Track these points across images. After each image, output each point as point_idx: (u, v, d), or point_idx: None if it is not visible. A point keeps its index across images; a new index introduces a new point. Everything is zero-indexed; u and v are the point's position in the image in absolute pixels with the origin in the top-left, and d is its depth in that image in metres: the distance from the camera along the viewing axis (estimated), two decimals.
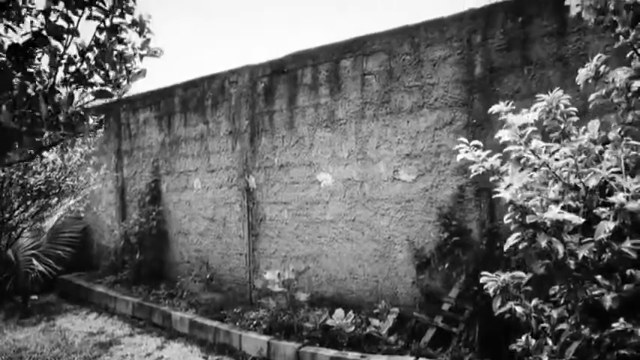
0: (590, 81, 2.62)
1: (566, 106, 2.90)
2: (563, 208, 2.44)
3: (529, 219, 2.27)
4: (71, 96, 3.17)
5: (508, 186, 2.51)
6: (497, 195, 2.68)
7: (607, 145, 2.54)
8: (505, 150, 3.05)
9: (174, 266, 9.02)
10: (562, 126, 2.82)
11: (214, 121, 8.18)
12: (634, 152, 2.39)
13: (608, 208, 2.21)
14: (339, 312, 5.90)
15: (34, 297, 9.49)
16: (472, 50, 5.65)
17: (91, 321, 8.04)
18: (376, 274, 6.39)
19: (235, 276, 7.96)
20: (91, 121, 3.47)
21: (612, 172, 2.33)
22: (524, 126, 2.75)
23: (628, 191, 2.13)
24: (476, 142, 3.41)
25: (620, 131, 2.48)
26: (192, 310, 7.48)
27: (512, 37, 5.44)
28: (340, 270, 6.72)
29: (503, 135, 2.83)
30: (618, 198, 2.11)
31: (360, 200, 6.51)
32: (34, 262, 9.10)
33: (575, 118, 2.88)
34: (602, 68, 2.60)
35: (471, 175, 3.29)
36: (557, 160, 2.55)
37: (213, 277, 8.20)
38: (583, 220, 2.25)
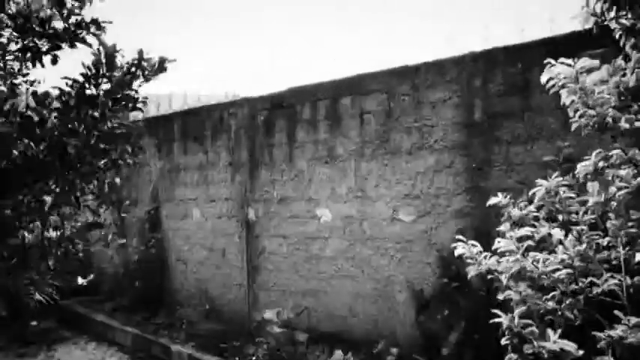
0: (589, 176, 2.62)
1: (564, 192, 2.89)
2: (560, 317, 2.43)
3: (526, 349, 2.26)
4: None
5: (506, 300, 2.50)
6: (496, 320, 2.67)
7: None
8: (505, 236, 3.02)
9: (174, 294, 9.02)
10: (560, 217, 2.81)
11: (214, 152, 8.18)
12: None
13: (606, 334, 2.20)
14: (337, 354, 5.90)
15: (34, 323, 9.49)
16: (472, 94, 5.64)
17: (90, 352, 8.03)
18: (375, 313, 6.38)
19: (234, 307, 7.95)
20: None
21: (610, 285, 2.33)
22: (521, 222, 2.75)
23: (629, 322, 2.11)
24: (473, 242, 3.37)
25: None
26: (191, 342, 7.47)
27: (512, 82, 5.43)
28: (339, 307, 6.71)
29: (501, 245, 2.82)
30: (617, 332, 2.10)
31: (359, 238, 6.50)
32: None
33: (575, 207, 2.87)
34: (600, 164, 2.59)
35: (469, 276, 3.27)
36: (557, 269, 2.55)
37: (212, 307, 8.19)
38: (582, 352, 2.24)
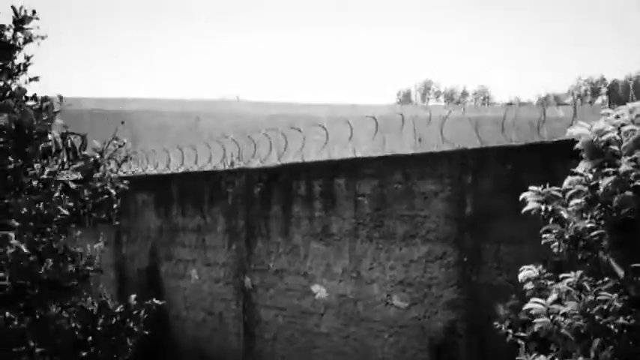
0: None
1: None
2: None
3: None
4: None
5: None
6: None
7: None
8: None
9: (172, 350, 9.13)
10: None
11: (211, 217, 8.29)
12: None
13: None
14: None
15: None
16: (463, 189, 5.75)
17: None
18: None
19: None
20: None
21: None
22: None
23: None
24: None
25: None
26: None
27: (501, 182, 5.53)
28: None
29: None
30: None
31: (354, 318, 6.61)
32: None
33: None
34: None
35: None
36: None
37: None
38: None
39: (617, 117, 2.69)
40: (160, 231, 9.22)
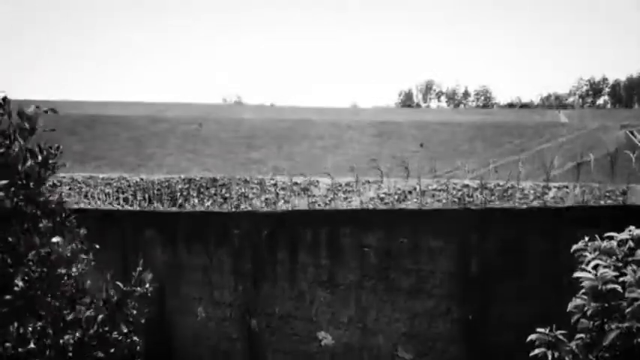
0: None
1: None
2: None
3: None
4: None
5: None
6: None
7: None
8: None
9: None
10: None
11: (218, 257, 8.36)
12: None
13: None
14: None
15: None
16: (468, 248, 5.82)
17: None
18: None
19: None
20: None
21: None
22: None
23: None
24: None
25: None
26: None
27: (506, 242, 5.61)
28: None
29: None
30: None
31: None
32: None
33: None
34: None
35: None
36: None
37: None
38: None
39: (620, 244, 2.76)
40: (167, 267, 9.30)
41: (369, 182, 27.82)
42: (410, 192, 27.97)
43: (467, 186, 27.38)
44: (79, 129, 37.83)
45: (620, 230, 3.14)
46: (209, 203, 26.40)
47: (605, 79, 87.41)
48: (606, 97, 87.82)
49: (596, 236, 3.01)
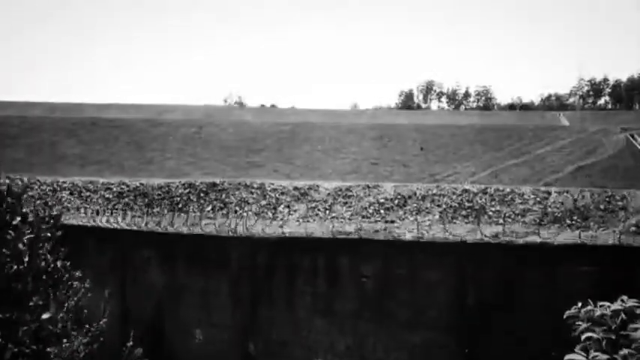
0: None
1: None
2: None
3: None
4: None
5: None
6: None
7: None
8: None
9: None
10: None
11: (216, 279, 8.38)
12: None
13: None
14: None
15: None
16: (465, 281, 5.83)
17: None
18: None
19: None
20: None
21: None
22: None
23: None
24: None
25: None
26: None
27: (502, 275, 5.61)
28: None
29: None
30: None
31: None
32: None
33: None
34: None
35: None
36: None
37: None
38: None
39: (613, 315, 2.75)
40: (165, 288, 9.32)
41: (368, 187, 27.85)
42: (410, 197, 28.01)
43: (467, 191, 27.39)
44: (80, 132, 37.83)
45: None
46: (209, 208, 26.43)
47: (606, 80, 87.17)
48: (607, 98, 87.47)
49: (590, 301, 3.01)
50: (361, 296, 6.43)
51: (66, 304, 4.98)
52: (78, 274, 4.47)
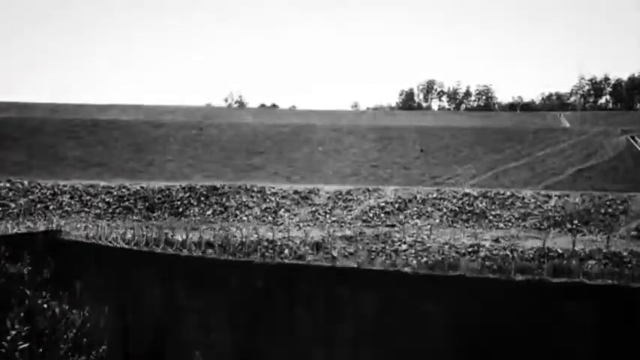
0: None
1: None
2: None
3: None
4: None
5: None
6: None
7: None
8: None
9: None
10: None
11: (215, 302, 8.38)
12: None
13: None
14: None
15: None
16: (462, 315, 5.81)
17: None
18: None
19: None
20: None
21: None
22: None
23: None
24: None
25: None
26: None
27: (502, 311, 5.59)
28: None
29: None
30: None
31: None
32: None
33: None
34: None
35: None
36: None
37: None
38: None
39: None
40: (164, 310, 9.32)
41: (369, 190, 27.73)
42: (410, 200, 27.90)
43: (467, 194, 27.26)
44: (81, 134, 37.72)
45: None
46: (209, 212, 26.35)
47: (607, 79, 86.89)
48: (608, 97, 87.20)
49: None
50: (359, 328, 6.43)
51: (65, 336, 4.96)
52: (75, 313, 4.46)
